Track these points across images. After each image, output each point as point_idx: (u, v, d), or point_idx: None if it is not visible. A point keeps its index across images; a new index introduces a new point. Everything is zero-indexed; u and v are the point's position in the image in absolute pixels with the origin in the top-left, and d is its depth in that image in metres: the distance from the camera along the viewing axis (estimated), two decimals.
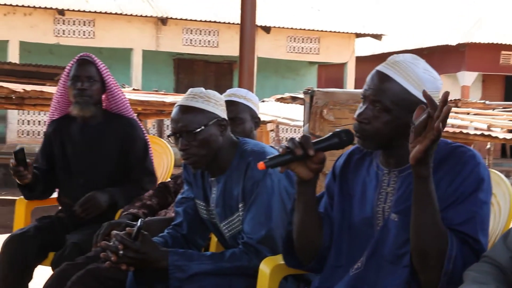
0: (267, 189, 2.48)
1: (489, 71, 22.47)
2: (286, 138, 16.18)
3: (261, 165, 1.94)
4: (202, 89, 2.61)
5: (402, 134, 1.94)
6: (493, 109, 15.40)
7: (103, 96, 3.67)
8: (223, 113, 2.59)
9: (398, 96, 1.95)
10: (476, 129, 9.87)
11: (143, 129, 3.80)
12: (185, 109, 2.53)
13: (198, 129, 2.50)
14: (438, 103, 1.80)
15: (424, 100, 1.89)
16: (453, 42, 21.64)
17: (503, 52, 22.19)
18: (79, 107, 3.54)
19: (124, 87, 13.37)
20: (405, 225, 1.92)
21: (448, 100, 1.78)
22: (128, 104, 3.75)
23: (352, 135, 2.01)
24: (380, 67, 2.01)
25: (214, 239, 2.91)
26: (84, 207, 3.47)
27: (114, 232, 2.44)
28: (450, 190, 1.91)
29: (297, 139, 1.97)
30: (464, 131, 9.70)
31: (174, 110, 2.56)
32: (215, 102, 2.57)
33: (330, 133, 1.99)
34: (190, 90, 2.61)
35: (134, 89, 12.93)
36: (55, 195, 3.89)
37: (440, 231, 1.85)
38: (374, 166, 2.11)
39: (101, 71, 3.60)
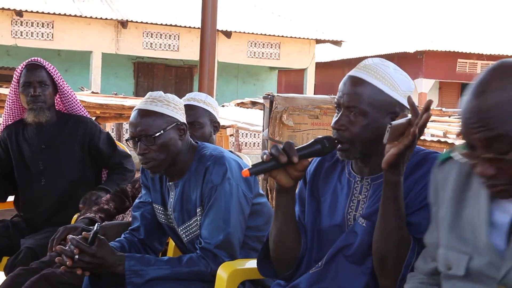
0: (226, 193, 2.48)
1: (446, 79, 22.85)
2: (246, 143, 16.19)
3: (245, 172, 1.89)
4: (161, 93, 2.59)
5: (381, 138, 1.88)
6: (449, 116, 15.63)
7: (55, 97, 3.64)
8: (182, 117, 2.57)
9: (373, 98, 1.93)
10: (432, 135, 10.01)
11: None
12: (144, 113, 2.51)
13: (157, 133, 2.48)
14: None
15: (399, 100, 1.89)
16: (411, 50, 21.96)
17: (459, 60, 22.60)
18: (34, 113, 3.50)
19: (83, 90, 13.23)
20: (372, 231, 1.91)
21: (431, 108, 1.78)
22: (80, 103, 3.73)
23: (334, 142, 1.97)
24: (352, 72, 1.99)
25: (172, 243, 2.89)
26: (87, 203, 3.44)
27: (70, 236, 2.41)
28: (422, 195, 1.90)
29: (280, 146, 1.92)
30: (422, 137, 9.82)
31: (133, 114, 2.54)
32: (174, 106, 2.55)
33: (313, 140, 1.95)
34: (149, 94, 2.59)
35: (93, 92, 12.79)
36: (9, 199, 3.83)
37: (403, 237, 1.85)
38: (346, 173, 2.09)
39: (52, 74, 3.56)
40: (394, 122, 1.79)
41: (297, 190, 2.17)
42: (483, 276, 1.54)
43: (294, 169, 1.92)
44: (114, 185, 3.55)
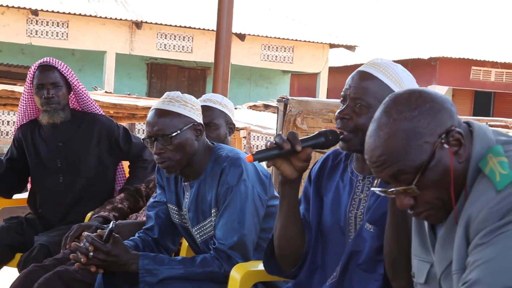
0: (241, 195, 2.48)
1: (459, 86, 22.77)
2: (257, 146, 16.19)
3: (249, 157, 1.92)
4: (179, 93, 2.60)
5: None
6: None
7: (70, 96, 3.66)
8: (199, 118, 2.58)
9: (379, 92, 1.97)
10: None
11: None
12: (161, 113, 2.51)
13: (174, 133, 2.48)
14: None
15: None
16: (425, 56, 21.90)
17: (473, 67, 22.52)
18: (48, 115, 3.52)
19: (96, 90, 13.29)
20: (381, 236, 1.93)
21: None
22: (94, 102, 3.76)
23: (337, 135, 2.00)
24: (361, 68, 2.04)
25: (185, 243, 2.90)
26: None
27: (85, 233, 2.42)
28: None
29: (284, 136, 1.96)
30: None
31: (150, 113, 2.54)
32: (191, 107, 2.56)
33: (317, 132, 1.99)
34: (166, 93, 2.59)
35: (106, 92, 12.83)
36: (23, 196, 3.86)
37: (410, 238, 1.85)
38: (348, 172, 2.12)
39: (64, 74, 3.57)
40: None
41: (302, 189, 2.21)
42: (436, 282, 1.62)
43: (298, 159, 1.96)
44: (138, 182, 3.58)
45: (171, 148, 2.49)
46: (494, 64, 22.42)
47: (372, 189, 1.61)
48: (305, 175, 2.23)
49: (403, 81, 2.01)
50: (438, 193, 1.52)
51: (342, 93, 2.03)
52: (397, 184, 1.53)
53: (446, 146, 1.50)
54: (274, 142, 1.94)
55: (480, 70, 22.64)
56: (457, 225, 1.51)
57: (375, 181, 1.63)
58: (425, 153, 1.49)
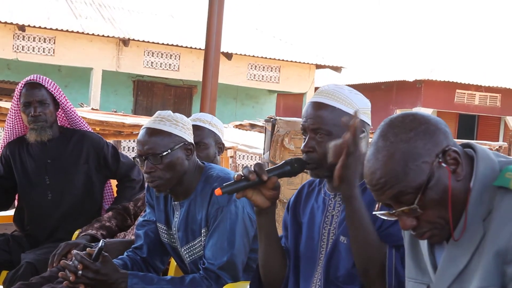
0: (231, 215, 2.48)
1: (444, 108, 22.94)
2: (243, 165, 16.20)
3: (218, 191, 1.99)
4: (170, 112, 2.60)
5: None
6: None
7: (58, 113, 3.66)
8: (190, 137, 2.59)
9: (335, 118, 2.07)
10: None
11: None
12: (152, 132, 2.52)
13: (165, 153, 2.49)
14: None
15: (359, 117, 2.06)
16: (410, 78, 22.07)
17: (458, 90, 22.71)
18: (35, 133, 3.52)
19: (83, 106, 13.25)
20: None
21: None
22: (81, 118, 3.76)
23: (303, 163, 2.09)
24: (311, 99, 2.16)
25: (173, 263, 2.89)
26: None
27: (74, 251, 2.41)
28: None
29: (251, 168, 2.04)
30: None
31: (141, 132, 2.55)
32: (182, 126, 2.57)
33: (283, 161, 2.07)
34: (157, 112, 2.60)
35: (92, 109, 12.80)
36: (8, 213, 3.83)
37: (376, 246, 1.94)
38: (322, 194, 2.22)
39: (52, 92, 3.57)
40: (332, 142, 1.96)
41: (283, 217, 2.31)
42: None
43: (266, 188, 2.02)
44: (126, 201, 3.57)
45: (161, 167, 2.50)
46: (478, 88, 22.64)
47: (374, 212, 1.64)
48: (287, 196, 2.29)
49: (353, 101, 2.12)
50: (440, 212, 1.55)
51: (301, 126, 2.14)
52: (399, 206, 1.56)
53: (443, 165, 1.53)
54: (241, 174, 2.01)
55: (465, 93, 22.84)
56: (482, 241, 1.53)
57: (376, 205, 1.63)
58: (424, 173, 1.52)
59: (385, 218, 1.63)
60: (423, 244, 1.68)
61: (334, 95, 2.12)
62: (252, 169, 2.01)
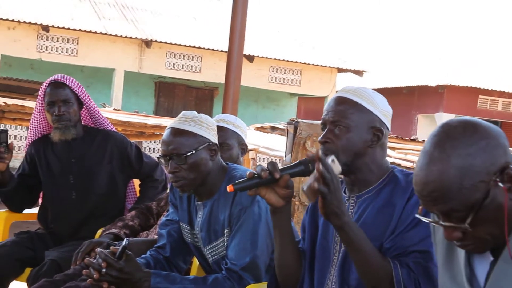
0: (254, 216, 2.49)
1: (466, 114, 22.75)
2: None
3: (230, 187, 1.99)
4: (195, 112, 2.62)
5: (363, 152, 2.10)
6: None
7: (82, 112, 3.69)
8: (214, 138, 2.60)
9: (355, 113, 2.10)
10: None
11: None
12: (176, 132, 2.53)
13: (189, 153, 2.50)
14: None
15: (379, 116, 2.11)
16: (433, 83, 21.94)
17: (480, 96, 22.54)
18: (59, 132, 3.55)
19: (105, 107, 13.33)
20: None
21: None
22: (105, 118, 3.80)
23: None
24: (336, 94, 2.18)
25: (196, 262, 2.90)
26: None
27: (98, 249, 2.42)
28: (405, 215, 2.03)
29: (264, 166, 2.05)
30: None
31: (166, 132, 2.56)
32: (207, 127, 2.58)
33: (297, 161, 2.06)
34: (182, 113, 2.61)
35: (114, 109, 12.88)
36: (33, 211, 3.87)
37: (379, 265, 1.95)
38: None
39: (75, 91, 3.60)
40: (304, 186, 1.91)
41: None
42: None
43: (279, 186, 2.02)
44: (149, 201, 3.59)
45: (186, 168, 2.51)
46: (501, 94, 22.44)
47: (417, 215, 1.60)
48: None
49: (375, 100, 2.14)
50: (490, 229, 1.48)
51: (321, 120, 2.15)
52: (448, 219, 1.49)
53: (500, 184, 1.45)
54: (254, 172, 2.01)
55: (487, 99, 22.66)
56: None
57: (419, 207, 1.58)
58: (479, 192, 1.45)
59: (429, 222, 1.57)
60: (461, 254, 1.62)
61: (358, 92, 2.15)
62: (266, 167, 2.02)
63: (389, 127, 2.18)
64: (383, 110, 2.15)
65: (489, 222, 1.47)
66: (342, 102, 2.12)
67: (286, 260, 2.18)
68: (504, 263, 1.49)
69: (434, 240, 1.76)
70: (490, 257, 1.55)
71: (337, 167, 1.96)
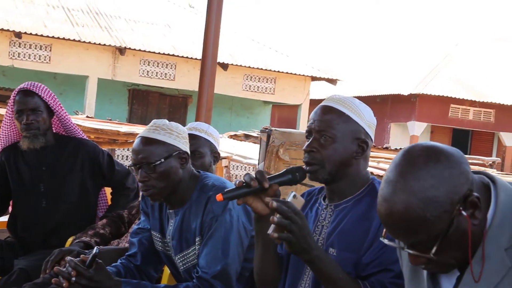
0: (226, 224, 2.49)
1: (438, 123, 22.99)
2: (236, 175, 16.20)
3: (219, 196, 1.99)
4: (165, 121, 2.61)
5: (347, 163, 2.10)
6: None
7: (53, 119, 3.66)
8: (184, 146, 2.59)
9: (341, 124, 2.10)
10: None
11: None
12: (146, 141, 2.53)
13: (158, 162, 2.50)
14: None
15: (364, 128, 2.11)
16: (405, 92, 22.13)
17: (452, 105, 22.77)
18: (28, 140, 3.52)
19: (78, 114, 13.24)
20: (343, 260, 2.04)
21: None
22: (76, 126, 3.77)
23: (304, 172, 2.10)
24: (322, 102, 2.18)
25: (167, 271, 2.89)
26: None
27: (68, 258, 2.40)
28: (383, 230, 2.00)
29: (252, 174, 2.05)
30: None
31: (136, 141, 2.56)
32: (177, 135, 2.57)
33: (284, 170, 2.08)
34: (153, 121, 2.61)
35: (87, 117, 12.79)
36: (3, 219, 3.83)
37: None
38: (317, 203, 2.24)
39: (45, 99, 3.57)
40: (270, 229, 1.92)
41: None
42: None
43: (267, 195, 2.02)
44: (120, 210, 3.57)
45: (155, 176, 2.50)
46: (472, 103, 22.71)
47: (381, 239, 1.59)
48: None
49: (362, 112, 2.14)
50: (454, 255, 1.49)
51: (307, 128, 2.15)
52: (411, 249, 1.49)
53: (463, 213, 1.45)
54: (242, 181, 2.01)
55: (459, 108, 22.91)
56: (508, 273, 1.46)
57: (383, 231, 1.58)
58: (444, 222, 1.44)
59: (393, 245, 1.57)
60: (424, 270, 1.62)
61: (346, 102, 2.14)
62: (254, 176, 2.02)
63: (373, 138, 2.18)
64: (368, 122, 2.15)
65: (453, 249, 1.48)
66: (329, 112, 2.12)
67: (266, 267, 2.18)
68: (470, 275, 1.50)
69: (399, 255, 1.77)
70: (456, 272, 1.56)
71: (299, 201, 1.96)
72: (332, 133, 2.09)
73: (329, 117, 2.11)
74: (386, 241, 1.57)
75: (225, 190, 2.01)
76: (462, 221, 1.45)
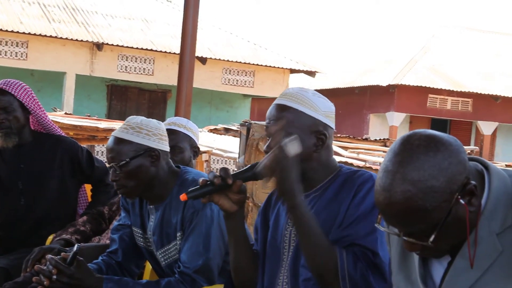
0: (207, 218, 2.50)
1: (416, 113, 23.13)
2: (217, 169, 16.19)
3: (183, 196, 1.99)
4: (139, 118, 2.61)
5: (309, 157, 2.11)
6: None
7: (30, 117, 3.62)
8: (156, 144, 2.58)
9: (297, 120, 2.10)
10: None
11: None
12: (115, 141, 2.56)
13: (123, 162, 2.51)
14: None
15: (321, 120, 2.12)
16: (384, 83, 22.23)
17: (430, 95, 22.92)
18: (1, 139, 3.49)
19: (56, 111, 13.15)
20: None
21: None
22: (53, 123, 3.74)
23: None
24: (276, 101, 2.18)
25: (148, 267, 2.89)
26: None
27: (49, 256, 2.40)
28: (351, 210, 2.05)
29: (216, 172, 2.05)
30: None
31: (109, 140, 2.58)
32: (146, 133, 2.56)
33: (249, 165, 2.08)
34: (127, 119, 2.62)
35: (66, 113, 12.71)
36: None
37: (326, 251, 1.97)
38: None
39: (19, 97, 3.53)
40: (259, 166, 1.98)
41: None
42: None
43: (232, 192, 2.04)
44: (101, 206, 3.55)
45: (123, 176, 2.53)
46: (450, 93, 22.86)
47: (376, 225, 1.59)
48: (262, 199, 2.29)
49: (317, 105, 2.14)
50: (451, 241, 1.50)
51: (265, 127, 2.15)
52: (408, 237, 1.49)
53: (461, 201, 1.45)
54: (206, 179, 2.02)
55: (437, 98, 23.06)
56: (498, 258, 1.47)
57: (378, 216, 1.57)
58: (443, 211, 1.44)
59: (387, 231, 1.57)
60: (415, 255, 1.62)
61: (298, 97, 2.14)
62: (218, 173, 2.02)
63: (333, 125, 2.18)
64: (325, 112, 2.15)
65: (450, 236, 1.49)
66: (283, 110, 2.12)
67: (241, 264, 2.19)
68: (462, 259, 1.51)
69: (388, 241, 1.77)
70: (448, 257, 1.57)
71: (294, 147, 1.97)
72: (289, 132, 2.08)
73: (284, 115, 2.11)
74: (381, 228, 1.57)
75: (189, 189, 2.01)
76: (459, 209, 1.46)
